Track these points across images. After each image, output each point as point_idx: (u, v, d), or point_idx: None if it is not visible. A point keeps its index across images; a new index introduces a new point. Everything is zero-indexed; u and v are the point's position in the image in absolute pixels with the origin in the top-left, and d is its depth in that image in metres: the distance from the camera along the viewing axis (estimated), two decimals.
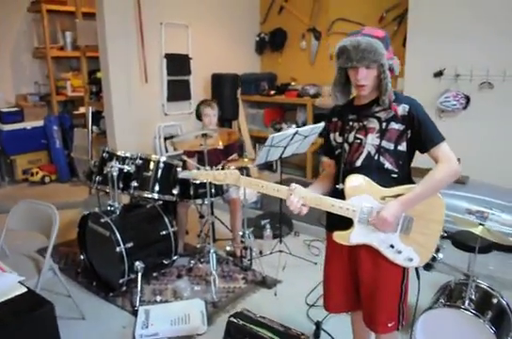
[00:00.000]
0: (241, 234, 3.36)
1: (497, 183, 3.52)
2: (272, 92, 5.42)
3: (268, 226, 3.75)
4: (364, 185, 1.55)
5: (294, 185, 1.59)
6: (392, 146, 1.55)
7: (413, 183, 1.61)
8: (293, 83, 5.50)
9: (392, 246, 1.56)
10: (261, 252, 3.37)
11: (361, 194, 1.55)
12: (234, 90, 4.97)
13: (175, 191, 2.88)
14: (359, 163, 1.59)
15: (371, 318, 1.69)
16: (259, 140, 5.69)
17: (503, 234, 2.04)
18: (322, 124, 3.19)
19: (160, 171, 2.82)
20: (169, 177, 2.88)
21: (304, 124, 5.36)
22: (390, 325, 1.67)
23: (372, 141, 1.56)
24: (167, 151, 4.71)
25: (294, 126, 5.45)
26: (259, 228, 3.74)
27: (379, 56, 1.45)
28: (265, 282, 2.96)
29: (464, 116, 3.81)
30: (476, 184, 3.52)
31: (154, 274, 2.95)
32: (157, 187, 2.81)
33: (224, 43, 5.28)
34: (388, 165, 1.56)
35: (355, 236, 1.58)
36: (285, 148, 2.83)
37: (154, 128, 4.65)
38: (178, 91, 4.71)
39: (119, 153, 2.85)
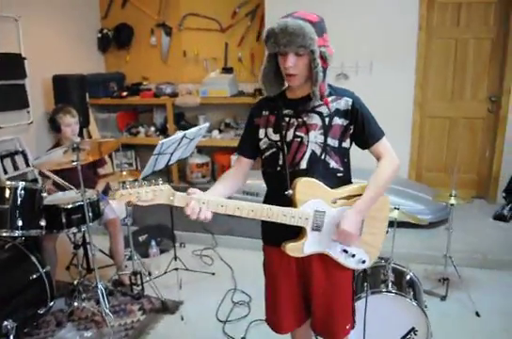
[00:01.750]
0: (127, 257, 2.92)
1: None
2: (124, 94, 4.95)
3: (154, 243, 3.37)
4: (315, 189, 1.39)
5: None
6: (336, 143, 1.43)
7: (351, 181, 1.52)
8: (145, 82, 5.18)
9: (345, 251, 1.45)
10: (150, 274, 2.99)
11: (313, 199, 1.38)
12: (82, 94, 4.37)
13: (42, 223, 2.31)
14: (304, 165, 1.42)
15: (329, 326, 1.57)
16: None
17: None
18: (207, 124, 2.98)
19: (20, 201, 2.21)
20: (33, 206, 2.29)
21: (163, 126, 5.11)
22: (347, 327, 1.59)
23: (315, 139, 1.41)
24: (5, 172, 3.89)
25: (152, 129, 5.08)
26: (139, 246, 3.33)
27: (309, 41, 1.28)
28: (167, 308, 2.65)
29: None
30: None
31: (25, 330, 2.34)
32: (19, 222, 2.20)
33: (63, 40, 4.65)
34: (333, 164, 1.43)
35: (309, 246, 1.42)
36: (172, 154, 2.54)
37: None
38: (11, 99, 3.95)
39: None
